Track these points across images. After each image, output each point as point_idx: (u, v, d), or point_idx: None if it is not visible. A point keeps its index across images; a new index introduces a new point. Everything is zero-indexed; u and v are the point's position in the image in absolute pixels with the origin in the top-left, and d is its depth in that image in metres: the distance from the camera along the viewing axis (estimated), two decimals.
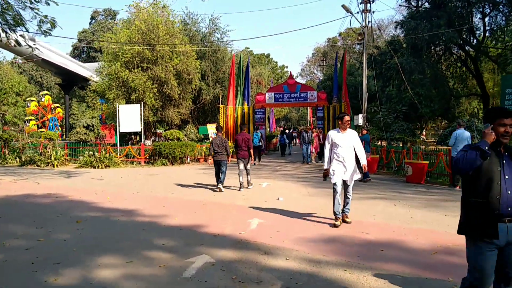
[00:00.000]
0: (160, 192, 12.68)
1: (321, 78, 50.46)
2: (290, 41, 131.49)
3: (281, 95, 29.35)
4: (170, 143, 22.38)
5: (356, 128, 22.16)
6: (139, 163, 23.39)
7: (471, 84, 26.58)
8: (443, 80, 23.26)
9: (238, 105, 30.30)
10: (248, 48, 73.08)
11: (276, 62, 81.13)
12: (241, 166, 13.17)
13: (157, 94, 27.51)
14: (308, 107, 65.56)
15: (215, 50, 33.15)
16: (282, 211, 9.51)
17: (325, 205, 9.97)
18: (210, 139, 25.82)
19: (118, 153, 23.54)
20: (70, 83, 46.67)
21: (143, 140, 25.54)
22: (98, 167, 21.30)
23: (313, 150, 18.56)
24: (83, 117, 43.63)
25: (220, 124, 27.69)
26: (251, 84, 32.76)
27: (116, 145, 24.22)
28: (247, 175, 13.35)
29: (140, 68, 27.22)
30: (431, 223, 8.30)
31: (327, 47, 71.54)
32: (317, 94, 29.23)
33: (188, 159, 24.13)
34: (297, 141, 44.52)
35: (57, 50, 43.66)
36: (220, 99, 29.56)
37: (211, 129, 25.90)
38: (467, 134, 13.09)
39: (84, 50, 70.92)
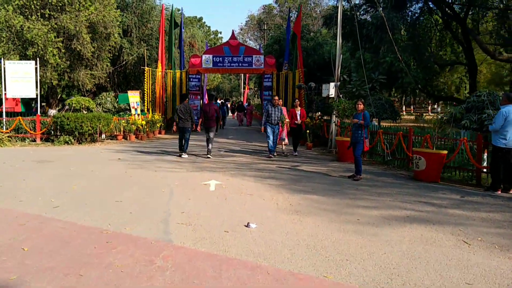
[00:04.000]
0: (36, 202, 7.40)
1: (261, 44, 45.43)
2: (223, 7, 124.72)
3: (221, 58, 24.18)
4: (75, 115, 16.62)
5: (327, 99, 17.63)
6: (34, 141, 17.43)
7: (456, 51, 23.02)
8: (425, 44, 19.36)
9: (168, 69, 24.74)
10: (179, 10, 66.07)
11: (209, 27, 74.90)
12: (211, 135, 13.66)
13: (63, 50, 21.21)
14: (243, 76, 60.67)
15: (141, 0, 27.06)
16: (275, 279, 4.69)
17: (337, 241, 5.34)
18: (132, 110, 20.20)
19: (4, 127, 17.39)
20: None
21: (38, 109, 19.42)
22: None
23: (285, 136, 13.80)
24: None
25: (145, 90, 22.14)
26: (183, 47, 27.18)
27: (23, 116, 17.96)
28: (208, 144, 13.68)
29: (40, 16, 20.80)
30: None
31: (263, 14, 66.46)
32: (265, 59, 24.41)
33: (103, 135, 18.51)
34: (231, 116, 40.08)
35: None
36: (146, 60, 23.75)
37: (133, 97, 20.30)
38: None
39: None
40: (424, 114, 39.74)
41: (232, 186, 9.08)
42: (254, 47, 36.45)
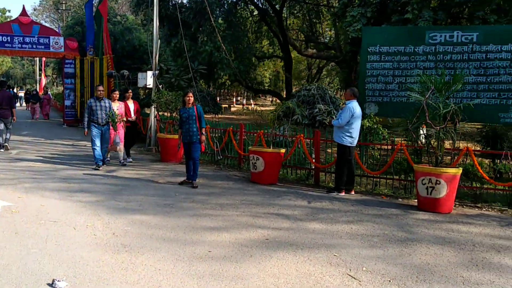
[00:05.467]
0: None
1: (60, 27, 40.16)
2: None
3: (9, 38, 19.91)
4: None
5: (144, 90, 15.44)
6: None
7: (274, 44, 22.81)
8: (243, 35, 18.51)
9: None
10: None
11: None
12: (1, 126, 12.50)
13: None
14: (39, 60, 53.36)
15: None
16: None
17: None
18: None
19: None
20: None
21: None
22: None
23: (119, 140, 10.46)
24: None
25: None
26: None
27: None
28: (6, 133, 12.68)
29: None
30: None
31: None
32: (65, 41, 20.99)
33: None
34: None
35: None
36: None
37: None
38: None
39: None
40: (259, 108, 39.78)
41: (27, 209, 6.56)
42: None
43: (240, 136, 10.90)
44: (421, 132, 16.19)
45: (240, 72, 16.50)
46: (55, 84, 59.60)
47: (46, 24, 60.55)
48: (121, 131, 10.82)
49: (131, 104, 11.41)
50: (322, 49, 23.70)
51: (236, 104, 45.68)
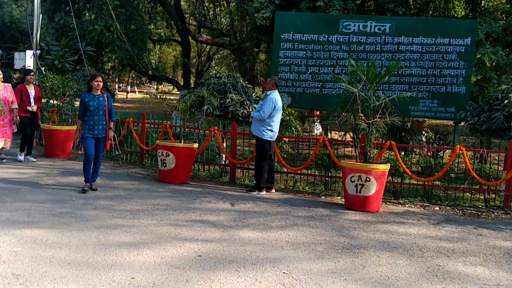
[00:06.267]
0: None
1: None
2: None
3: None
4: None
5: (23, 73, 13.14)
6: None
7: (172, 27, 20.93)
8: (137, 15, 16.69)
9: None
10: None
11: None
12: None
13: None
14: None
15: None
16: None
17: None
18: None
19: None
20: None
21: None
22: None
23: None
24: None
25: None
26: None
27: None
28: None
29: None
30: None
31: None
32: None
33: None
34: None
35: None
36: None
37: None
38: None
39: None
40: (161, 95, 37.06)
41: None
42: None
43: (142, 128, 9.69)
44: (316, 125, 16.32)
45: (135, 55, 14.94)
46: None
47: None
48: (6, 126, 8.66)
49: (31, 90, 9.23)
50: (217, 36, 22.84)
51: (118, 91, 42.79)
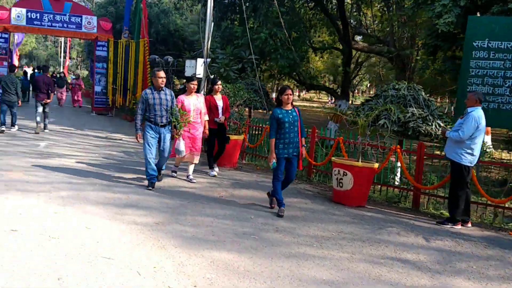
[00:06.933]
0: None
1: (90, 7, 38.65)
2: None
3: (38, 14, 18.37)
4: None
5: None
6: None
7: (333, 34, 20.67)
8: (299, 22, 16.51)
9: None
10: None
11: None
12: (40, 109, 12.83)
13: None
14: (64, 41, 52.09)
15: None
16: None
17: None
18: None
19: None
20: None
21: None
22: None
23: (183, 147, 7.57)
24: None
25: None
26: None
27: None
28: (44, 118, 13.08)
29: None
30: None
31: None
32: (98, 21, 19.39)
33: None
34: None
35: None
36: None
37: None
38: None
39: None
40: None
41: (68, 234, 4.89)
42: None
43: (311, 141, 9.14)
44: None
45: (296, 64, 14.60)
46: (79, 67, 58.47)
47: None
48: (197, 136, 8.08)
49: (219, 101, 8.68)
50: (373, 43, 21.71)
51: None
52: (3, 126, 12.22)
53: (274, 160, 6.26)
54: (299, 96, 60.63)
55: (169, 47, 23.51)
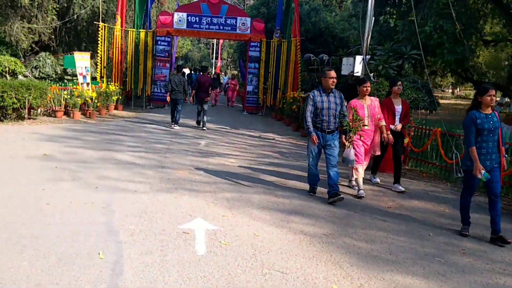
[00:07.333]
0: None
1: (243, 7, 40.20)
2: None
3: (197, 18, 19.35)
4: None
5: (350, 79, 13.15)
6: None
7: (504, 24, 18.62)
8: (467, 12, 14.80)
9: (131, 28, 19.76)
10: None
11: None
12: (205, 107, 13.70)
13: None
14: (215, 43, 55.14)
15: None
16: None
17: None
18: (80, 78, 15.23)
19: None
20: None
21: None
22: None
23: (362, 153, 7.25)
24: None
25: (99, 52, 17.30)
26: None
27: None
28: (203, 116, 13.78)
29: None
30: None
31: None
32: (252, 22, 19.74)
33: (39, 110, 13.67)
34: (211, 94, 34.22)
35: None
36: (101, 14, 18.55)
37: (81, 60, 15.35)
38: None
39: None
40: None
41: (238, 240, 4.71)
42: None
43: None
44: None
45: (464, 58, 13.04)
46: (229, 67, 61.40)
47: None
48: (361, 145, 7.22)
49: (398, 105, 7.62)
50: None
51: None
52: (174, 124, 13.59)
53: (483, 170, 5.27)
54: (453, 93, 56.19)
55: (317, 45, 23.15)
